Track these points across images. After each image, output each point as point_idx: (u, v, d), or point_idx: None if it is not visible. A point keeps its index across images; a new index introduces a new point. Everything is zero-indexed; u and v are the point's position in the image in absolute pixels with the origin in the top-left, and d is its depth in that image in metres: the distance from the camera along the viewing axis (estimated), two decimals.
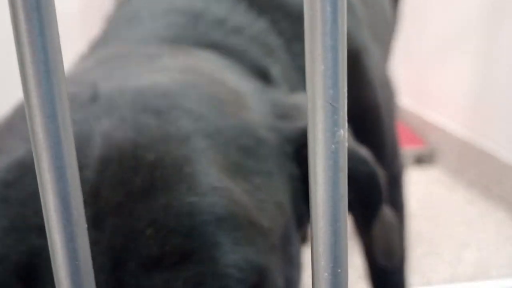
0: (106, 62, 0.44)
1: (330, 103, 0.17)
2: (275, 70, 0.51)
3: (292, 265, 0.38)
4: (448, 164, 1.66)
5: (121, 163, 0.32)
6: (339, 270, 0.17)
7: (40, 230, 0.30)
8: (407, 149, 1.62)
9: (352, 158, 0.40)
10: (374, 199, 0.44)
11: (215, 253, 0.31)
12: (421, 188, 1.52)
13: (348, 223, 0.19)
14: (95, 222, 0.30)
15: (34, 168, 0.33)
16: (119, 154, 0.32)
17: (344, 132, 0.17)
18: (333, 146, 0.17)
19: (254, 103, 0.42)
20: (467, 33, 1.57)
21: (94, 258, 0.30)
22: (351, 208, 0.37)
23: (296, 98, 0.45)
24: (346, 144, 0.17)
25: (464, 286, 1.10)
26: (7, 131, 0.37)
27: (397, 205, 0.73)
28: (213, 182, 0.32)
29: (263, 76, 0.50)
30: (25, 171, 0.32)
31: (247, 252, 0.32)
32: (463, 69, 1.60)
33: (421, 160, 1.69)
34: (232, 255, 0.31)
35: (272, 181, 0.37)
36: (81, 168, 0.32)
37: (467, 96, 1.60)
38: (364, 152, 0.43)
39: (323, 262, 0.17)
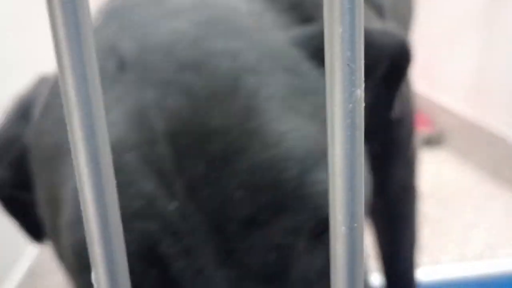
0: (115, 13, 0.41)
1: (348, 64, 0.18)
2: None
3: None
4: (457, 146, 1.66)
5: (190, 135, 0.33)
6: (355, 224, 0.18)
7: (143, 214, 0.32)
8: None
9: (376, 35, 0.40)
10: (401, 71, 0.43)
11: (304, 195, 0.33)
12: (429, 170, 1.52)
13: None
14: (187, 195, 0.32)
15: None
16: (183, 125, 0.33)
17: (361, 92, 0.18)
18: (350, 105, 0.18)
19: (273, 22, 0.40)
20: (475, 15, 1.57)
21: (193, 229, 0.32)
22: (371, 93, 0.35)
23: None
24: (363, 104, 0.18)
25: (472, 265, 1.11)
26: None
27: (410, 188, 0.73)
28: (279, 127, 0.33)
29: None
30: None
31: (325, 178, 0.33)
32: (471, 51, 1.60)
33: (430, 142, 1.70)
34: (320, 187, 0.33)
35: (320, 95, 0.37)
36: (152, 143, 0.32)
37: (476, 78, 1.59)
38: (380, 26, 0.41)
39: (340, 216, 0.18)
